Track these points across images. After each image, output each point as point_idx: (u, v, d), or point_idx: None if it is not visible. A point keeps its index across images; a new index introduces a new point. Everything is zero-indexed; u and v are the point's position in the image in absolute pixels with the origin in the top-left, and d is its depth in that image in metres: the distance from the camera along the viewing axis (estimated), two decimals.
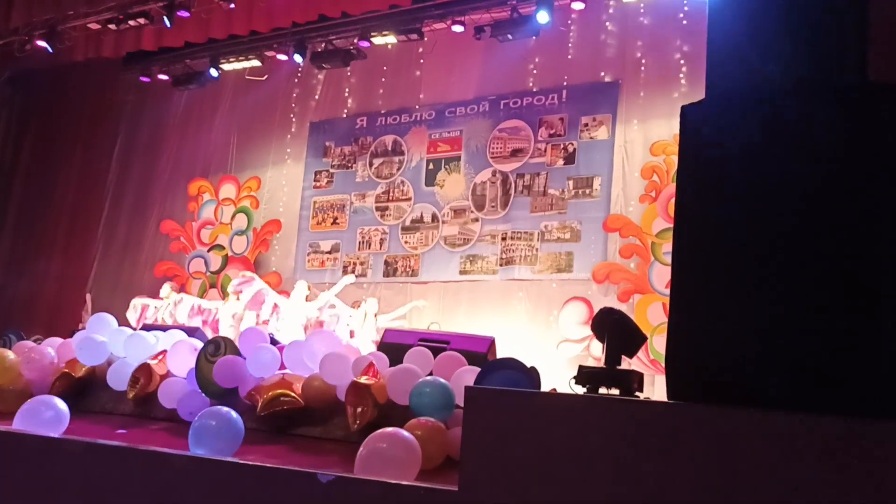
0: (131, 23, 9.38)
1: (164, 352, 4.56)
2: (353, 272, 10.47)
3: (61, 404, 3.76)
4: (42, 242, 11.55)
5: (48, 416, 3.66)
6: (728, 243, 2.05)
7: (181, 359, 4.35)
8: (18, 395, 4.58)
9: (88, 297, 11.23)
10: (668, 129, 8.59)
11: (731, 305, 2.04)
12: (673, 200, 9.10)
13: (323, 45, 10.15)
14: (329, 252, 10.77)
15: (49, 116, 11.97)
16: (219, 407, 3.37)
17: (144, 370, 4.43)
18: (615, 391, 2.84)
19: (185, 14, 9.00)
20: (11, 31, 9.72)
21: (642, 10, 9.12)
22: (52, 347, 5.01)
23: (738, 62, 2.29)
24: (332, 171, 11.01)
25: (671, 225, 8.64)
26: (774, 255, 1.99)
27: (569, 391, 3.05)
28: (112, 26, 9.50)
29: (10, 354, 4.84)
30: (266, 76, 11.13)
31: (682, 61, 8.80)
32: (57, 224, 11.54)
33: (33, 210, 11.76)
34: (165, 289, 10.16)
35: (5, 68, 11.51)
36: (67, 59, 10.23)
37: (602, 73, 9.41)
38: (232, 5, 8.61)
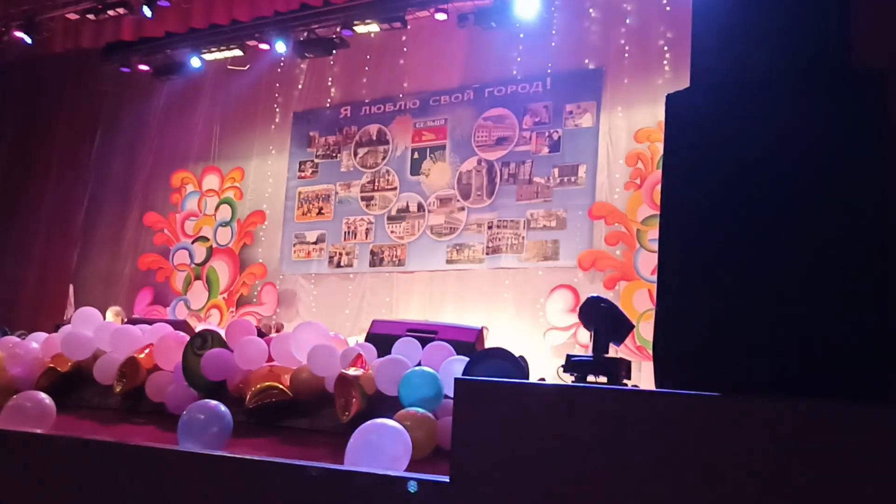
0: (110, 13, 9.29)
1: (150, 345, 4.53)
2: (338, 262, 10.46)
3: (47, 400, 3.73)
4: (23, 236, 11.44)
5: (34, 412, 3.64)
6: (714, 231, 2.07)
7: (168, 352, 4.31)
8: (3, 390, 4.54)
9: (71, 288, 11.15)
10: (652, 116, 8.62)
11: (717, 292, 2.06)
12: (658, 187, 9.11)
13: (305, 34, 10.09)
14: (315, 243, 10.75)
15: (27, 109, 11.83)
16: (207, 400, 3.35)
17: (131, 364, 4.39)
18: (603, 379, 2.86)
19: (165, 3, 8.92)
20: None
21: None
22: (36, 342, 4.96)
23: (723, 50, 2.30)
24: (316, 161, 10.98)
25: (656, 212, 8.68)
26: (759, 241, 2.01)
27: (557, 380, 3.07)
28: (91, 16, 9.41)
29: None
30: (248, 66, 11.06)
31: (665, 48, 8.82)
32: (38, 217, 11.43)
33: (12, 203, 11.64)
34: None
35: None
36: (46, 51, 10.11)
37: (586, 61, 9.41)
38: None
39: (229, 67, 11.11)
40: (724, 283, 2.01)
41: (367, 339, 4.33)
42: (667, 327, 2.10)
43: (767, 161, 2.01)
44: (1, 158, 11.86)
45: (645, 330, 7.39)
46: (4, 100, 12.28)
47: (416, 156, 10.29)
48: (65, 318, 10.02)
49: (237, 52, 10.79)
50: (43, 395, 3.74)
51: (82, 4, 9.24)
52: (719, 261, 2.02)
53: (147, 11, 8.86)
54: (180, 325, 5.11)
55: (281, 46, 10.15)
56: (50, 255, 11.25)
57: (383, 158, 10.51)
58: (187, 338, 4.33)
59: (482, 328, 4.48)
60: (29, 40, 9.63)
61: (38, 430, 3.45)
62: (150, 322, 5.10)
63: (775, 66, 2.18)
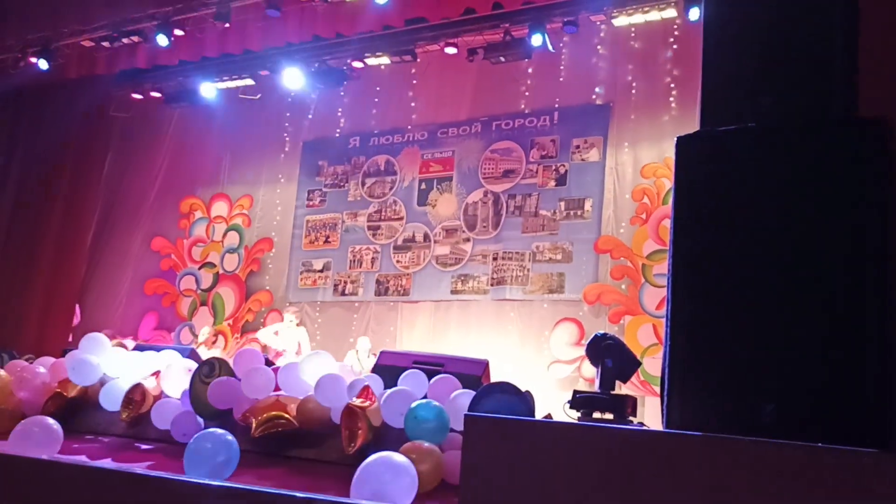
0: (125, 41, 9.41)
1: (157, 372, 4.55)
2: (343, 290, 10.49)
3: (55, 425, 3.74)
4: (31, 259, 11.49)
5: (42, 438, 3.65)
6: (724, 274, 2.10)
7: (175, 379, 4.34)
8: (10, 414, 4.56)
9: (77, 308, 11.19)
10: (658, 152, 8.71)
11: (727, 335, 2.08)
12: (664, 223, 9.15)
13: (317, 64, 10.21)
14: (321, 270, 10.79)
15: (39, 132, 11.95)
16: (214, 429, 3.36)
17: (138, 391, 4.41)
18: (609, 416, 2.88)
19: (179, 32, 9.04)
20: (6, 47, 9.74)
21: (633, 35, 9.25)
22: (44, 367, 4.98)
23: (732, 96, 2.35)
24: (324, 190, 11.06)
25: (662, 247, 8.69)
26: (769, 286, 2.04)
27: (564, 416, 3.08)
28: (106, 44, 9.53)
29: (2, 373, 4.81)
30: (259, 95, 11.18)
31: (672, 85, 8.93)
32: (46, 240, 11.48)
33: (22, 226, 11.71)
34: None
35: None
36: (60, 76, 10.24)
37: (593, 96, 9.52)
38: (227, 24, 8.66)
39: (241, 96, 11.24)
40: (734, 325, 2.04)
41: (373, 370, 4.35)
42: (676, 367, 2.12)
43: (776, 207, 2.05)
44: (11, 182, 11.96)
45: (650, 365, 7.38)
46: (17, 123, 12.42)
47: (423, 186, 10.36)
48: (70, 340, 10.07)
49: (249, 82, 10.93)
50: (50, 421, 3.74)
51: (98, 32, 9.38)
52: (729, 304, 2.05)
53: (161, 40, 8.98)
54: (188, 353, 5.13)
55: (292, 77, 10.27)
56: (57, 276, 11.29)
57: (391, 188, 10.59)
58: (195, 365, 4.36)
59: (487, 361, 4.50)
60: (44, 66, 9.76)
61: (45, 457, 3.45)
62: (158, 349, 5.12)
63: (783, 113, 2.23)
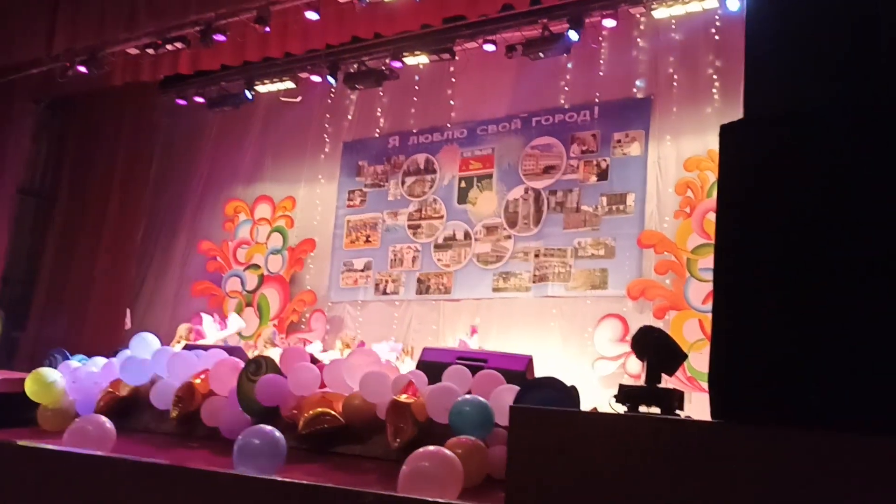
0: (168, 47, 9.58)
1: (206, 371, 4.63)
2: (385, 290, 10.54)
3: (108, 423, 3.83)
4: (82, 264, 11.78)
5: (95, 435, 3.74)
6: (771, 262, 2.06)
7: (223, 378, 4.42)
8: (64, 414, 4.69)
9: (129, 312, 11.45)
10: (701, 144, 8.57)
11: (775, 324, 2.04)
12: (708, 216, 8.98)
13: (356, 65, 10.28)
14: (362, 270, 10.85)
15: (87, 140, 12.24)
16: (262, 425, 3.41)
17: (187, 389, 4.50)
18: (655, 410, 2.84)
19: (220, 38, 9.18)
20: (53, 57, 9.99)
21: (674, 26, 9.12)
22: (96, 367, 5.11)
23: (777, 81, 2.31)
24: (364, 189, 11.12)
25: (707, 241, 8.54)
26: (818, 273, 2.00)
27: (609, 410, 3.05)
28: (150, 51, 9.72)
29: (56, 374, 4.95)
30: (300, 97, 11.29)
31: (714, 76, 8.78)
32: (97, 245, 11.76)
33: (73, 232, 12.01)
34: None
35: (47, 94, 11.83)
36: (106, 84, 10.47)
37: (634, 90, 9.41)
38: (267, 28, 8.77)
39: (281, 99, 11.37)
40: (784, 316, 2.00)
41: (417, 367, 4.37)
42: (723, 359, 2.09)
43: (823, 194, 2.01)
44: (62, 189, 12.28)
45: (696, 360, 7.27)
46: (65, 132, 12.75)
47: (463, 184, 10.36)
48: (122, 341, 10.30)
49: (289, 84, 11.05)
50: (104, 419, 3.84)
51: (142, 40, 9.56)
52: (777, 293, 2.01)
53: (203, 45, 9.12)
54: (234, 352, 5.21)
55: (331, 78, 10.35)
56: (108, 280, 11.57)
57: (430, 187, 10.60)
58: (242, 364, 4.43)
59: (531, 357, 4.48)
60: (90, 74, 9.99)
61: (100, 453, 3.54)
62: (206, 348, 5.22)
63: (828, 99, 2.18)
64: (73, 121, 12.56)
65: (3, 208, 11.18)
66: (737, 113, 2.32)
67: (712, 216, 7.79)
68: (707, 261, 8.11)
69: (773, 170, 2.08)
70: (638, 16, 9.11)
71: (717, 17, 8.77)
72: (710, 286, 2.30)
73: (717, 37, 8.81)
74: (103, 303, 11.39)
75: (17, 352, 11.47)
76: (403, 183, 10.81)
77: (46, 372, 4.95)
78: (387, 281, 10.61)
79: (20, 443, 3.42)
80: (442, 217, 10.40)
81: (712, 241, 2.23)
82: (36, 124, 12.44)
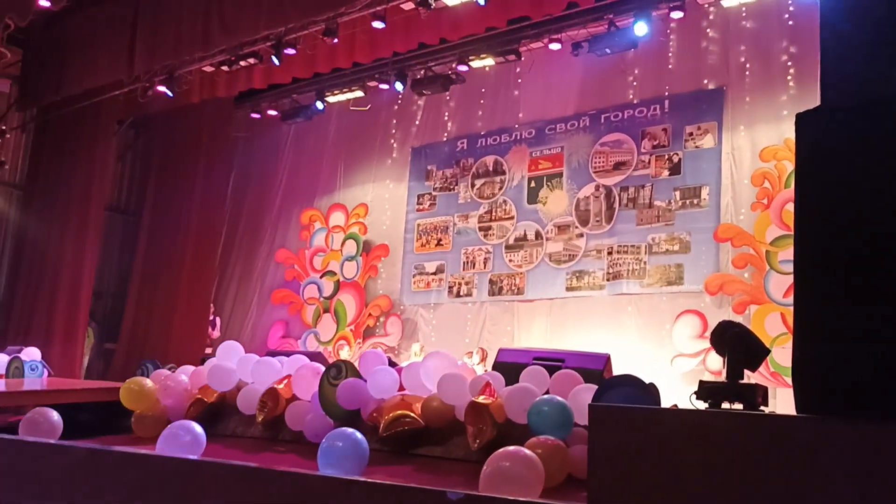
0: (242, 63, 9.88)
1: (288, 376, 4.76)
2: (458, 292, 10.61)
3: (198, 428, 3.98)
4: (168, 276, 12.22)
5: (187, 440, 3.89)
6: (852, 252, 2.01)
7: (305, 383, 4.52)
8: (157, 420, 4.88)
9: (218, 321, 11.86)
10: (777, 133, 8.35)
11: (859, 316, 1.99)
12: (787, 207, 8.72)
13: (422, 71, 10.39)
14: (434, 273, 10.95)
15: (169, 157, 12.73)
16: (344, 428, 3.49)
17: (271, 394, 4.63)
18: (738, 406, 2.79)
19: (291, 51, 9.41)
20: (134, 79, 10.42)
21: (744, 14, 8.92)
22: (185, 375, 5.31)
23: (854, 67, 2.25)
24: (434, 193, 11.23)
25: (786, 232, 8.30)
26: None
27: (690, 407, 3.01)
28: (225, 68, 10.04)
29: (149, 383, 5.15)
30: (369, 105, 11.48)
31: (788, 63, 8.55)
32: (181, 258, 12.18)
33: (158, 246, 12.48)
34: None
35: (129, 114, 12.34)
36: (184, 102, 10.87)
37: (705, 81, 9.23)
38: (335, 40, 8.95)
39: (351, 108, 11.58)
40: (869, 307, 1.95)
41: (493, 368, 4.40)
42: (807, 351, 2.05)
43: None
44: (148, 205, 12.78)
45: (779, 355, 7.09)
46: (148, 150, 13.28)
47: (532, 184, 10.35)
48: (208, 348, 10.66)
49: (358, 94, 11.26)
50: (195, 425, 3.98)
51: (217, 57, 9.89)
52: (862, 283, 1.96)
53: (276, 60, 9.38)
54: (315, 357, 5.34)
55: (399, 85, 10.49)
56: (193, 291, 11.97)
57: (500, 188, 10.63)
58: (322, 368, 4.53)
59: (608, 356, 4.45)
60: (170, 93, 10.38)
61: (192, 457, 3.68)
62: (287, 354, 5.36)
63: None
64: (155, 139, 13.08)
65: (94, 226, 11.71)
66: (814, 100, 2.27)
67: (791, 206, 7.57)
68: (787, 252, 7.90)
69: (852, 158, 2.03)
70: (706, 6, 8.94)
71: (789, 2, 8.54)
72: (791, 279, 2.25)
73: (790, 22, 8.57)
74: (188, 313, 11.80)
75: (110, 362, 12.00)
76: (473, 185, 10.86)
77: (140, 381, 5.16)
78: (460, 283, 10.67)
79: (117, 449, 3.58)
80: (512, 218, 10.41)
81: (792, 233, 2.18)
82: (120, 144, 13.02)
